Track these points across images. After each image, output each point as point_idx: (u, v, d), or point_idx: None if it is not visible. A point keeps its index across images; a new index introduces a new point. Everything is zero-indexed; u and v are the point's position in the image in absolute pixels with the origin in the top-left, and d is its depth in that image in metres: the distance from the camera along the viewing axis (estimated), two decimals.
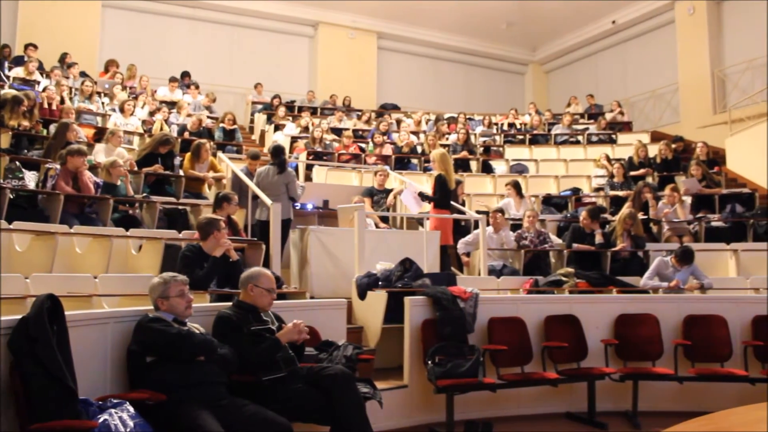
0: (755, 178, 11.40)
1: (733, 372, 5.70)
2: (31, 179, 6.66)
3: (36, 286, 4.46)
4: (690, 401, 5.70)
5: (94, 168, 7.24)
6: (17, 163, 6.72)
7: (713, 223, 9.14)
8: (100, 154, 7.97)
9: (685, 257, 6.99)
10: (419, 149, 12.17)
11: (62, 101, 9.84)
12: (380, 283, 6.08)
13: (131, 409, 3.12)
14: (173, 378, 3.46)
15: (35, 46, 12.15)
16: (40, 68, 11.69)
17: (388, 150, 11.92)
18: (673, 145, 11.80)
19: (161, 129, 10.12)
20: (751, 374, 5.67)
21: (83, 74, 12.29)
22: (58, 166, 6.50)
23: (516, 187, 9.43)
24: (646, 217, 8.97)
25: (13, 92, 8.40)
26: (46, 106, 9.25)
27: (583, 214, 8.33)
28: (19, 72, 11.16)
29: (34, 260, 5.22)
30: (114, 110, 10.65)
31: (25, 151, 7.66)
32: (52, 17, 13.90)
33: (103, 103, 11.13)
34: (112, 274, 5.36)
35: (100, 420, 2.96)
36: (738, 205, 9.52)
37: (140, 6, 15.68)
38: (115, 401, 3.14)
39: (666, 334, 5.97)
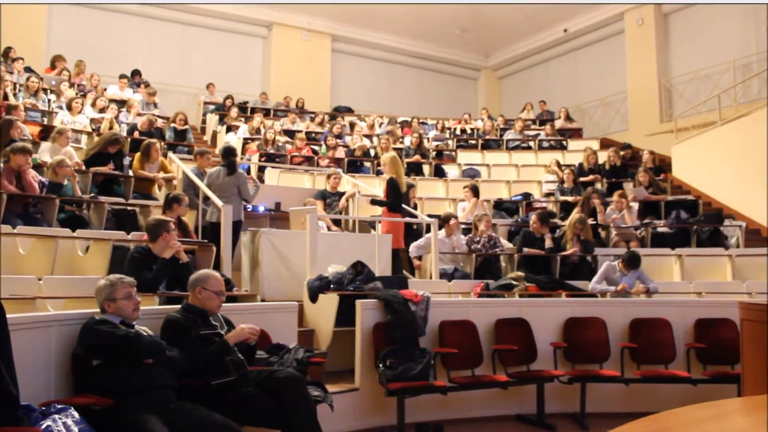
0: (699, 186, 11.74)
1: (676, 374, 5.85)
2: None
3: None
4: (636, 402, 5.84)
5: (38, 167, 7.05)
6: None
7: (659, 229, 9.37)
8: (45, 153, 7.75)
9: (632, 262, 7.13)
10: (372, 152, 12.18)
11: (6, 97, 9.55)
12: (332, 286, 6.07)
13: (76, 414, 3.04)
14: (120, 382, 3.38)
15: None
16: None
17: (341, 153, 11.89)
18: (622, 152, 12.08)
19: (110, 128, 9.91)
20: (693, 375, 5.83)
21: (28, 69, 11.92)
22: (1, 165, 6.31)
23: (474, 190, 9.51)
24: (594, 222, 9.14)
25: None
26: None
27: (533, 218, 8.41)
28: None
29: None
30: (61, 108, 10.38)
31: None
32: None
33: (49, 100, 10.84)
34: (57, 276, 5.21)
35: (43, 426, 2.87)
36: (683, 212, 9.78)
37: (88, 0, 15.30)
38: (59, 407, 3.05)
39: (613, 337, 6.09)
